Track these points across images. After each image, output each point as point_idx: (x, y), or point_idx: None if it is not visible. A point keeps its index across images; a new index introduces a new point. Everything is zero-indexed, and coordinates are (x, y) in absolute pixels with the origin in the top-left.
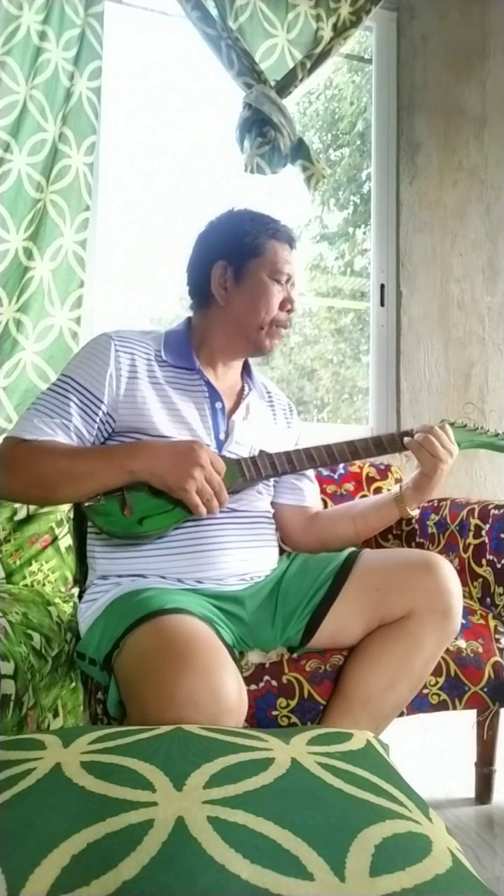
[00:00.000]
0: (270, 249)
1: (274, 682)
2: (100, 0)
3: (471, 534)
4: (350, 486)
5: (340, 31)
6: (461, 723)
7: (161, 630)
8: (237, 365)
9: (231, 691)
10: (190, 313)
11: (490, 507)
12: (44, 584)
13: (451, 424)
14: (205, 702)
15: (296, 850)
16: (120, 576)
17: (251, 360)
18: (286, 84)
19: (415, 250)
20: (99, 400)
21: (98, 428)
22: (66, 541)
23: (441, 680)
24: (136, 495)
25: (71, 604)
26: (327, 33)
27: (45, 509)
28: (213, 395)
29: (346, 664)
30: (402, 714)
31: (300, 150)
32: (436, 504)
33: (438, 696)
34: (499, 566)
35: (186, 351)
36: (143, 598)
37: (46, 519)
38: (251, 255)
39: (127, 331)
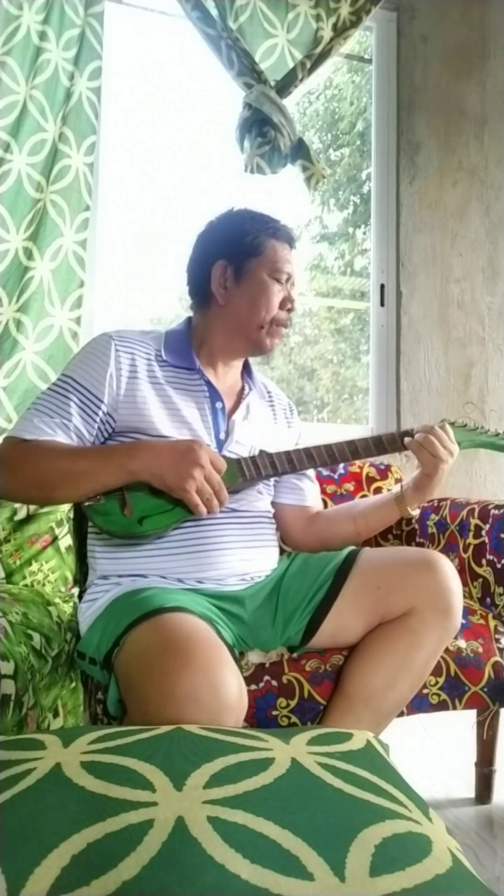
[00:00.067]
0: (270, 249)
1: (274, 682)
2: (100, 0)
3: (471, 534)
4: (350, 486)
5: (340, 31)
6: (461, 723)
7: (161, 628)
8: (237, 364)
9: (231, 688)
10: (190, 313)
11: (490, 507)
12: (44, 584)
13: (452, 424)
14: (205, 698)
15: (296, 850)
16: (120, 576)
17: (251, 360)
18: (286, 84)
19: (415, 250)
20: (99, 400)
21: (98, 428)
22: (66, 541)
23: (441, 680)
24: (136, 495)
25: (71, 604)
26: (327, 33)
27: (45, 509)
28: (214, 394)
29: (347, 662)
30: (402, 714)
31: (300, 150)
32: (436, 504)
33: (438, 696)
34: (499, 566)
35: (186, 351)
36: (144, 597)
37: (46, 519)
38: (251, 254)
39: (127, 331)
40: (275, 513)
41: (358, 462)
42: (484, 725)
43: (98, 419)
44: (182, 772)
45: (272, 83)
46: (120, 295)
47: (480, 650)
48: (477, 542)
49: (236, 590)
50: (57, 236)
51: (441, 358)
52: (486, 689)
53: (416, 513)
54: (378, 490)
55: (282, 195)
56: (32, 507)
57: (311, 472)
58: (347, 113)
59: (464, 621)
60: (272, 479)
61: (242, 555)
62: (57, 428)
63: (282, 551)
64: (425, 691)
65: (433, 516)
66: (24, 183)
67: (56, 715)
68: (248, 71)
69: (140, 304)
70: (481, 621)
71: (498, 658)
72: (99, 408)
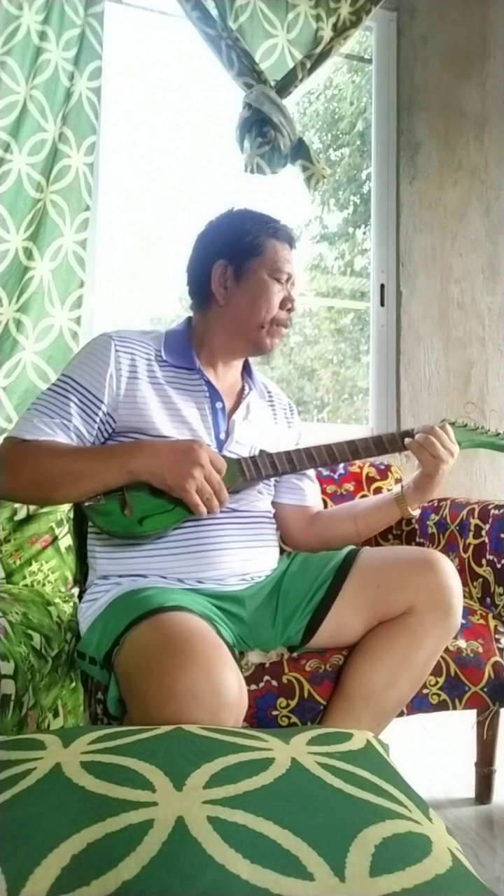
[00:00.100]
0: (271, 248)
1: (274, 682)
2: (100, 0)
3: (471, 534)
4: (350, 486)
5: (340, 31)
6: (461, 723)
7: (161, 626)
8: (237, 364)
9: (231, 686)
10: (190, 313)
11: (490, 507)
12: (44, 584)
13: (452, 424)
14: (205, 696)
15: (296, 850)
16: (120, 576)
17: (251, 360)
18: (286, 84)
19: (415, 250)
20: (99, 400)
21: (98, 428)
22: (66, 541)
23: (441, 680)
24: (137, 495)
25: (71, 604)
26: (327, 33)
27: (45, 509)
28: (214, 394)
29: (348, 661)
30: (402, 714)
31: (300, 150)
32: (436, 504)
33: (438, 696)
34: (499, 566)
35: (187, 351)
36: (144, 597)
37: (46, 519)
38: (251, 254)
39: (127, 331)
40: (275, 513)
41: (358, 462)
42: (484, 725)
43: (98, 419)
44: (182, 772)
45: (272, 83)
46: (120, 295)
47: (480, 650)
48: (477, 542)
49: (236, 590)
50: (57, 236)
51: (441, 358)
52: (486, 689)
53: (416, 513)
54: (378, 490)
55: (282, 195)
56: (32, 507)
57: (311, 472)
58: (347, 113)
59: (464, 621)
60: (272, 479)
61: (242, 555)
62: (57, 428)
63: (282, 551)
64: (425, 691)
65: (433, 516)
66: (24, 183)
67: (56, 715)
68: (248, 71)
69: (140, 304)
70: (481, 621)
71: (498, 658)
72: (99, 408)
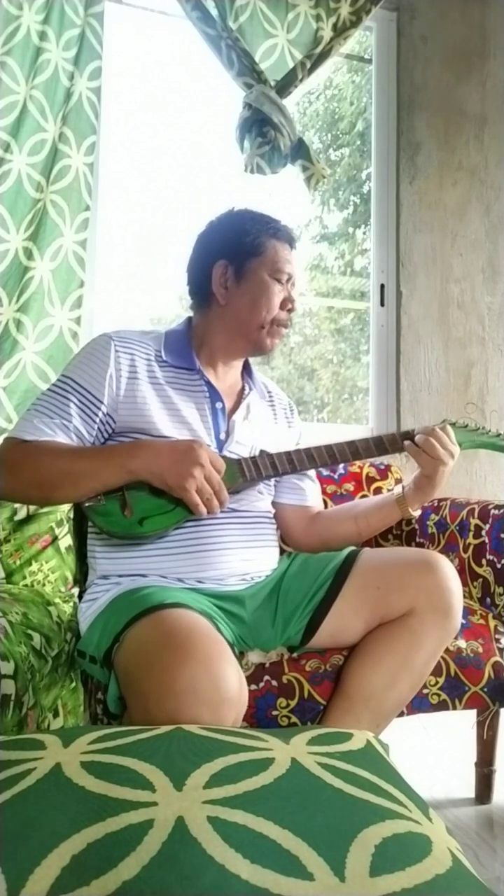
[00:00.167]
0: (271, 249)
1: (274, 682)
2: (100, 0)
3: (471, 534)
4: (350, 486)
5: (340, 31)
6: (461, 723)
7: (161, 623)
8: (237, 365)
9: (231, 681)
10: (190, 313)
11: (490, 507)
12: (44, 584)
13: (453, 425)
14: (205, 692)
15: (296, 850)
16: (120, 575)
17: (251, 360)
18: (286, 84)
19: (415, 250)
20: (99, 400)
21: (98, 428)
22: (66, 541)
23: (441, 680)
24: (137, 495)
25: (71, 604)
26: (327, 33)
27: (45, 509)
28: (214, 395)
29: (347, 663)
30: (402, 714)
31: (300, 150)
32: (436, 504)
33: (438, 696)
34: (499, 566)
35: (187, 351)
36: (144, 594)
37: (46, 519)
38: (252, 254)
39: (127, 331)
40: (275, 513)
41: (358, 462)
42: (484, 725)
43: (98, 420)
44: (182, 772)
45: (272, 83)
46: (120, 295)
47: (480, 650)
48: (477, 542)
49: (236, 590)
50: (57, 236)
51: (441, 358)
52: (486, 689)
53: (416, 513)
54: (378, 490)
55: (282, 195)
56: (32, 507)
57: (311, 473)
58: (347, 113)
59: (464, 621)
60: (273, 479)
61: (242, 555)
62: (57, 428)
63: (282, 551)
64: (425, 691)
65: (433, 516)
66: (24, 183)
67: (56, 715)
68: (248, 71)
69: (140, 304)
70: (481, 621)
71: (498, 658)
72: (99, 408)
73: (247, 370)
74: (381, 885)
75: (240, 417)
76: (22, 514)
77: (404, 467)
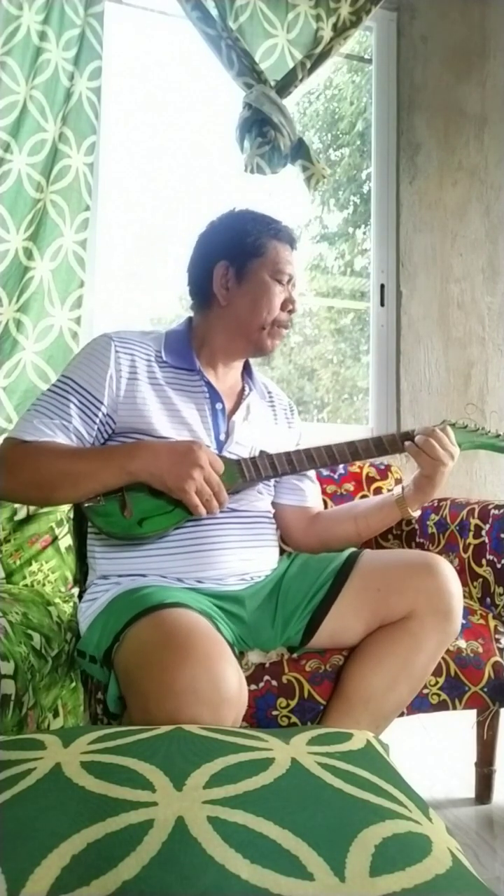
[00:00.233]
0: (272, 250)
1: (274, 682)
2: (100, 0)
3: (471, 534)
4: (350, 486)
5: (340, 31)
6: (461, 723)
7: (161, 623)
8: (238, 365)
9: (231, 681)
10: (190, 313)
11: (490, 507)
12: (44, 584)
13: (452, 425)
14: (205, 691)
15: (296, 850)
16: (120, 576)
17: (251, 360)
18: (286, 84)
19: (415, 250)
20: (99, 401)
21: (98, 429)
22: (66, 541)
23: (441, 680)
24: (136, 496)
25: (71, 604)
26: (327, 33)
27: (45, 509)
28: (214, 395)
29: (347, 664)
30: (402, 714)
31: (300, 150)
32: (436, 504)
33: (438, 696)
34: (499, 566)
35: (187, 352)
36: (143, 594)
37: (46, 519)
38: (253, 255)
39: (127, 331)
40: (275, 513)
41: (358, 462)
42: (484, 725)
43: (98, 420)
44: (182, 772)
45: (272, 83)
46: (120, 295)
47: (480, 650)
48: (477, 542)
49: (236, 590)
50: (57, 236)
51: (441, 358)
52: (486, 689)
53: (416, 514)
54: (378, 490)
55: (282, 195)
56: (32, 508)
57: (311, 473)
58: (347, 113)
59: (464, 621)
60: (272, 480)
61: (242, 554)
62: (57, 429)
63: (282, 551)
64: (425, 691)
65: (433, 516)
66: (24, 183)
67: (56, 715)
68: (248, 71)
69: (140, 304)
70: (481, 621)
71: (498, 658)
72: (99, 409)
73: (247, 371)
74: (381, 885)
75: (240, 418)
76: (22, 514)
77: (404, 467)
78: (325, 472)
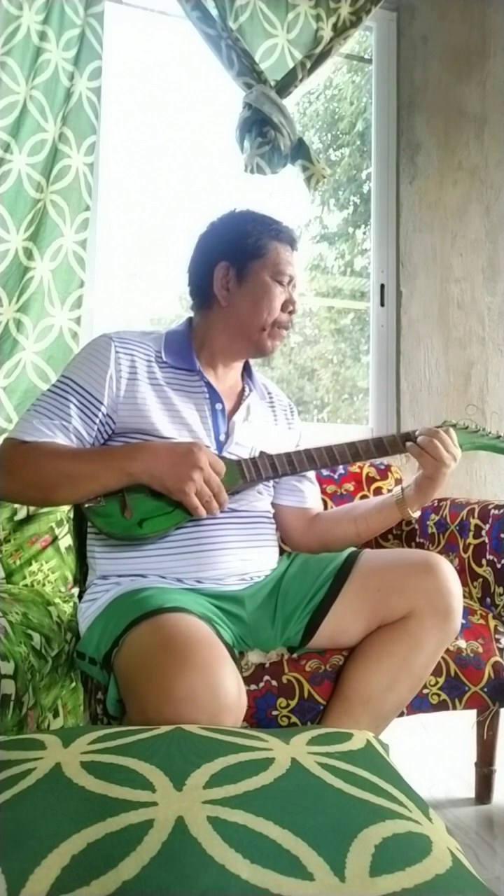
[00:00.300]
0: (273, 250)
1: (274, 682)
2: (100, 0)
3: (471, 534)
4: (350, 486)
5: (340, 31)
6: (461, 723)
7: (160, 628)
8: (238, 366)
9: (230, 689)
10: (190, 313)
11: (490, 507)
12: (44, 584)
13: (453, 426)
14: (203, 699)
15: (296, 850)
16: (120, 576)
17: (251, 361)
18: (286, 84)
19: (415, 250)
20: (98, 402)
21: (98, 429)
22: (66, 541)
23: (441, 680)
24: (136, 497)
25: (71, 604)
26: (327, 33)
27: (45, 509)
28: (214, 396)
29: (347, 664)
30: (402, 714)
31: (300, 150)
32: (436, 504)
33: (438, 696)
34: (499, 566)
35: (187, 352)
36: (143, 597)
37: (46, 519)
38: (253, 255)
39: (127, 332)
40: (275, 513)
41: (358, 462)
42: (484, 725)
43: (98, 421)
44: (182, 772)
45: (272, 83)
46: (120, 295)
47: (480, 650)
48: (477, 542)
49: (236, 590)
50: (57, 236)
51: (441, 358)
52: (486, 689)
53: (416, 514)
54: (378, 490)
55: (282, 195)
56: (32, 508)
57: (311, 474)
58: (347, 113)
59: (464, 621)
60: (272, 480)
61: (242, 555)
62: (56, 429)
63: (282, 551)
64: (425, 691)
65: (433, 516)
66: (24, 183)
67: (56, 715)
68: (248, 71)
69: (140, 304)
70: (481, 621)
71: (498, 658)
72: (98, 409)
73: (247, 371)
74: (381, 885)
75: (240, 419)
76: (22, 514)
77: (404, 467)
78: (324, 473)
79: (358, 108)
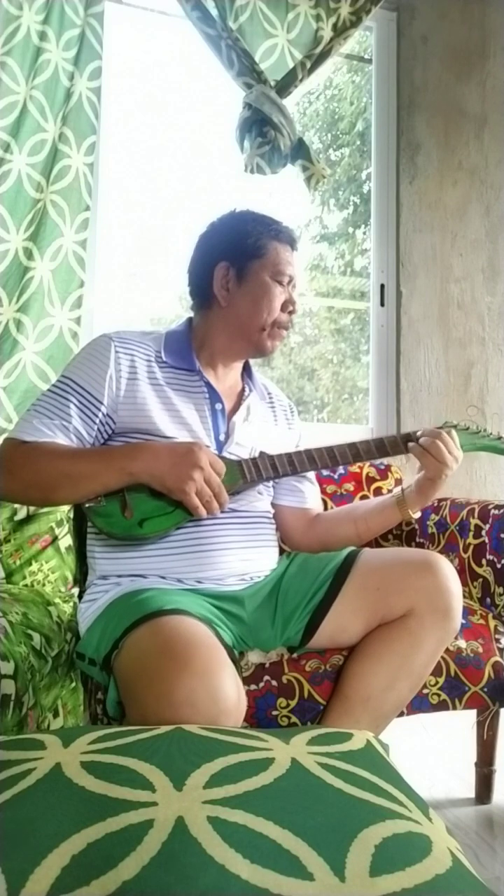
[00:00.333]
0: (273, 251)
1: (274, 682)
2: (100, 0)
3: (471, 534)
4: (350, 486)
5: (340, 31)
6: (461, 723)
7: (160, 631)
8: (237, 366)
9: (229, 693)
10: (190, 313)
11: (490, 507)
12: (44, 584)
13: (454, 427)
14: (203, 703)
15: (296, 850)
16: (120, 576)
17: (251, 361)
18: (286, 84)
19: (415, 250)
20: (98, 401)
21: (98, 429)
22: (66, 541)
23: (441, 680)
24: (137, 497)
25: (71, 604)
26: (327, 33)
27: (45, 509)
28: (213, 396)
29: (347, 663)
30: (402, 714)
31: (300, 150)
32: (436, 504)
33: (438, 696)
34: (499, 566)
35: (187, 352)
36: (143, 599)
37: (46, 519)
38: (253, 256)
39: (127, 332)
40: (274, 514)
41: (359, 463)
42: (484, 725)
43: (98, 420)
44: (182, 772)
45: (272, 83)
46: (120, 295)
47: (480, 650)
48: (477, 542)
49: (236, 590)
50: (57, 236)
51: (441, 358)
52: (486, 689)
53: (416, 515)
54: (378, 490)
55: (282, 195)
56: (32, 508)
57: (311, 474)
58: (347, 113)
59: (464, 621)
60: (272, 481)
61: (242, 555)
62: (56, 429)
63: (281, 551)
64: (425, 691)
65: (433, 516)
66: (24, 183)
67: (56, 715)
68: (248, 71)
69: (140, 304)
70: (481, 621)
71: (498, 658)
72: (98, 409)
73: (247, 371)
74: (381, 885)
75: (240, 419)
76: (22, 514)
77: (404, 467)
78: (324, 473)
79: (358, 108)
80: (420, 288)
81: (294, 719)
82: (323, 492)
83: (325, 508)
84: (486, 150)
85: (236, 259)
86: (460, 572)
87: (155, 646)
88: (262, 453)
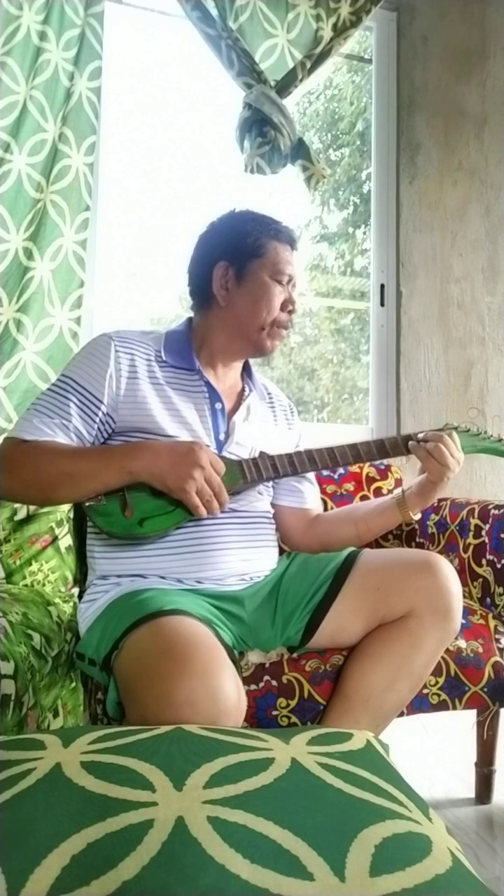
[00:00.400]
0: (272, 250)
1: (274, 682)
2: (100, 0)
3: (471, 534)
4: (350, 486)
5: (340, 31)
6: (461, 723)
7: (160, 631)
8: (237, 366)
9: (229, 694)
10: (190, 313)
11: (490, 507)
12: (44, 584)
13: (455, 429)
14: (203, 704)
15: (296, 850)
16: (120, 576)
17: (251, 361)
18: (286, 84)
19: (415, 250)
20: (99, 400)
21: (98, 428)
22: (66, 541)
23: (441, 680)
24: (137, 496)
25: (71, 604)
26: (327, 33)
27: (45, 509)
28: (213, 395)
29: (347, 664)
30: (402, 714)
31: (300, 150)
32: (436, 504)
33: (438, 696)
34: (499, 566)
35: (187, 352)
36: (142, 599)
37: (46, 519)
38: (253, 255)
39: (127, 331)
40: (274, 514)
41: (359, 463)
42: (484, 725)
43: (98, 420)
44: (182, 772)
45: (272, 83)
46: (120, 295)
47: (480, 650)
48: (477, 542)
49: (236, 590)
50: (57, 236)
51: (441, 358)
52: (486, 689)
53: (417, 517)
54: (378, 490)
55: (282, 195)
56: (32, 507)
57: (311, 475)
58: (347, 113)
59: (464, 621)
60: (272, 481)
61: (242, 555)
62: (57, 428)
63: (281, 551)
64: (425, 691)
65: (433, 516)
66: (24, 183)
67: (56, 715)
68: (248, 71)
69: (140, 304)
70: (481, 621)
71: (498, 658)
72: (98, 408)
73: (247, 371)
74: (381, 885)
75: (240, 418)
76: (22, 514)
77: (404, 468)
78: (324, 473)
79: (358, 108)
80: (420, 288)
81: (294, 719)
82: (323, 492)
83: (325, 509)
84: (486, 150)
85: (236, 259)
86: (460, 572)
87: (155, 646)
88: (262, 453)
